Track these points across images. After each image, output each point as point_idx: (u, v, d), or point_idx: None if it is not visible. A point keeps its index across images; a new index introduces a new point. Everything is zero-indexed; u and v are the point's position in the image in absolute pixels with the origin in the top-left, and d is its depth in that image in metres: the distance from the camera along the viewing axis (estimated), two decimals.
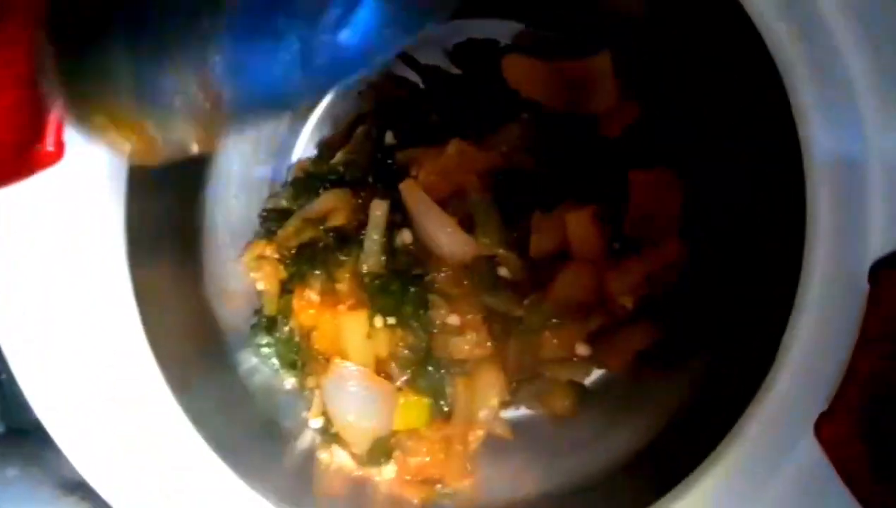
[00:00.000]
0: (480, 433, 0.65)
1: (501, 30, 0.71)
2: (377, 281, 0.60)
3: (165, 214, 0.67)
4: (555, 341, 0.60)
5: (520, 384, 0.65)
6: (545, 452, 0.68)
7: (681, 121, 0.62)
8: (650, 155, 0.62)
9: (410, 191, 0.60)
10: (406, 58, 0.74)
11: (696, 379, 0.61)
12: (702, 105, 0.61)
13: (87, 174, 0.55)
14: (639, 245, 0.60)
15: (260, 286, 0.70)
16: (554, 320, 0.60)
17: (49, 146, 0.54)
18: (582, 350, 0.61)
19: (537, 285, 0.60)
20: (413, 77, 0.71)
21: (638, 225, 0.59)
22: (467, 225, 0.61)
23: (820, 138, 0.46)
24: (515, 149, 0.61)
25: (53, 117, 0.55)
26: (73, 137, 0.52)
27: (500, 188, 0.60)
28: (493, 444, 0.68)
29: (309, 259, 0.64)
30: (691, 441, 0.59)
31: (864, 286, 0.46)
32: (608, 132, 0.62)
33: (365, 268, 0.61)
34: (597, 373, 0.68)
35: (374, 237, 0.60)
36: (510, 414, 0.69)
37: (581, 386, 0.66)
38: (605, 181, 0.60)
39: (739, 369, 0.56)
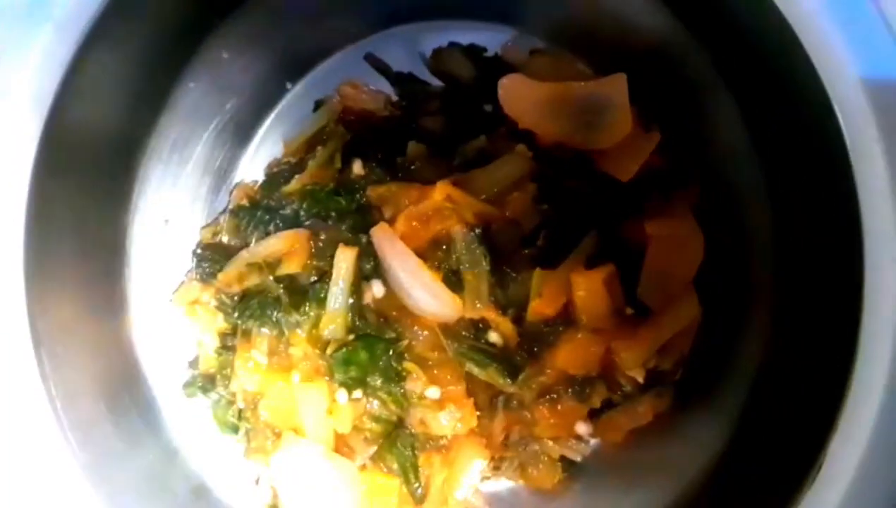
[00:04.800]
0: None
1: (489, 35, 0.60)
2: (341, 352, 0.49)
3: (75, 238, 0.55)
4: (552, 419, 0.51)
5: (503, 457, 0.56)
6: None
7: (703, 163, 0.53)
8: (667, 203, 0.52)
9: (385, 238, 0.49)
10: (373, 60, 0.62)
11: (701, 456, 0.54)
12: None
13: None
14: (650, 309, 0.51)
15: (195, 335, 0.58)
16: (552, 395, 0.50)
17: None
18: (582, 429, 0.53)
19: (532, 354, 0.51)
20: (385, 87, 0.60)
21: (653, 287, 0.50)
22: (452, 280, 0.50)
23: None
24: (511, 189, 0.50)
25: None
26: None
27: (493, 239, 0.50)
28: None
29: (256, 313, 0.52)
30: None
31: None
32: (620, 173, 0.52)
33: (326, 333, 0.49)
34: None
35: (338, 294, 0.49)
36: (488, 485, 0.60)
37: (571, 462, 0.57)
38: (617, 233, 0.51)
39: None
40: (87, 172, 0.54)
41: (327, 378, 0.51)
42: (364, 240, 0.51)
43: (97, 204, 0.57)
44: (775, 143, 0.49)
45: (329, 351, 0.49)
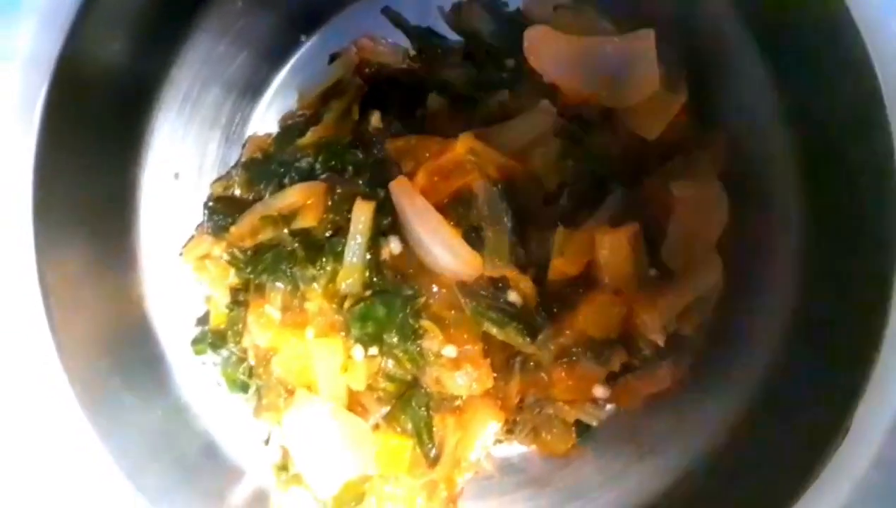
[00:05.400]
0: (469, 475, 0.55)
1: None
2: (358, 306, 0.48)
3: (84, 191, 0.54)
4: (570, 382, 0.50)
5: (516, 420, 0.55)
6: (537, 496, 0.59)
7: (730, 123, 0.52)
8: (693, 164, 0.51)
9: (403, 193, 0.48)
10: (391, 13, 0.60)
11: (716, 428, 0.53)
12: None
13: None
14: (673, 272, 0.50)
15: (205, 291, 0.57)
16: (571, 357, 0.50)
17: None
18: (599, 392, 0.52)
19: (552, 314, 0.50)
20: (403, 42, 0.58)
21: (677, 248, 0.49)
22: (472, 237, 0.49)
23: None
24: (535, 144, 0.49)
25: None
26: None
27: (515, 195, 0.49)
28: (477, 482, 0.58)
29: (269, 267, 0.51)
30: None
31: None
32: (646, 131, 0.51)
33: (343, 287, 0.48)
34: None
35: (355, 249, 0.48)
36: (499, 449, 0.60)
37: (585, 426, 0.57)
38: (641, 193, 0.50)
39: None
40: (96, 124, 0.53)
41: (342, 334, 0.50)
42: (382, 194, 0.49)
43: (106, 156, 0.56)
44: (806, 109, 0.48)
45: (346, 305, 0.48)
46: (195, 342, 0.57)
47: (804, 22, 0.44)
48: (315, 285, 0.50)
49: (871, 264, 0.42)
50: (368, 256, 0.48)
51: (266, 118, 0.62)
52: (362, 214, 0.48)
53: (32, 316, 0.47)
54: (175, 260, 0.58)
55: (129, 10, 0.52)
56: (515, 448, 0.60)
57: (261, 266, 0.51)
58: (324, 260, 0.49)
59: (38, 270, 0.48)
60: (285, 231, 0.51)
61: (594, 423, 0.55)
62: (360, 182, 0.50)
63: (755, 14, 0.49)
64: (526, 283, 0.49)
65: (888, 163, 0.40)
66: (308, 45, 0.62)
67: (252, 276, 0.52)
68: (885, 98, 0.40)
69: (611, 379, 0.54)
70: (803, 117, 0.47)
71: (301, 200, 0.50)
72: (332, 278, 0.49)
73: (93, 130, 0.53)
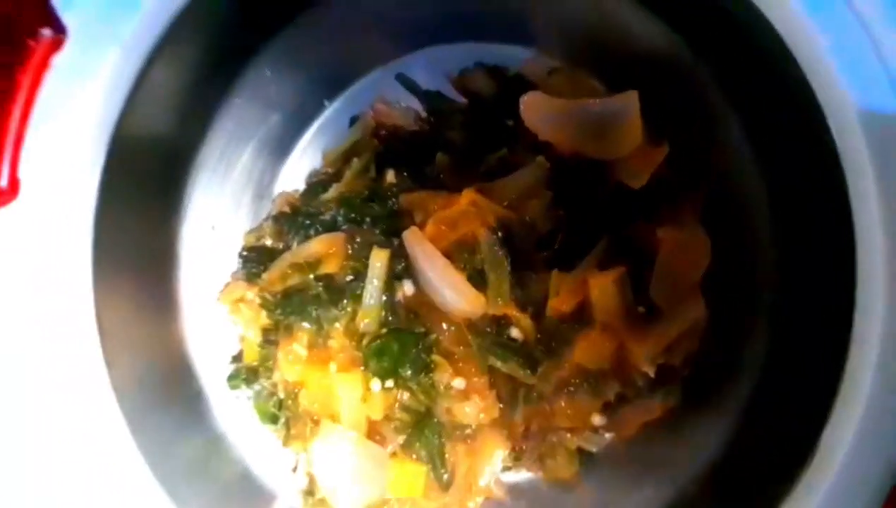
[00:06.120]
0: (480, 499, 0.60)
1: (510, 55, 0.65)
2: (376, 343, 0.54)
3: (133, 243, 0.60)
4: (569, 411, 0.55)
5: (523, 449, 0.60)
6: None
7: (709, 173, 0.57)
8: (676, 209, 0.56)
9: (415, 241, 0.54)
10: (404, 79, 0.67)
11: (709, 448, 0.57)
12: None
13: (47, 211, 0.50)
14: (660, 308, 0.55)
15: (239, 332, 0.63)
16: (569, 388, 0.54)
17: (2, 183, 0.50)
18: (597, 420, 0.56)
19: (550, 349, 0.55)
20: (415, 104, 0.65)
21: (663, 287, 0.54)
22: (476, 279, 0.55)
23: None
24: (530, 196, 0.55)
25: (7, 153, 0.50)
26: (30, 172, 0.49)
27: (514, 241, 0.54)
28: (488, 506, 0.62)
29: (297, 309, 0.57)
30: None
31: None
32: (632, 181, 0.56)
33: (362, 326, 0.54)
34: None
35: (373, 292, 0.54)
36: (509, 476, 0.64)
37: (587, 453, 0.61)
38: (629, 237, 0.55)
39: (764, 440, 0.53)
40: (144, 183, 0.60)
41: (362, 368, 0.55)
42: (396, 242, 0.55)
43: (152, 211, 0.62)
44: (777, 159, 0.53)
45: (364, 342, 0.54)
46: (231, 378, 0.63)
47: (767, 86, 0.49)
48: (337, 324, 0.55)
49: (833, 307, 0.46)
50: (384, 298, 0.54)
51: (294, 175, 0.68)
52: (378, 261, 0.54)
53: (91, 355, 0.52)
54: (212, 304, 0.64)
55: (174, 84, 0.59)
56: (524, 474, 0.64)
57: (289, 308, 0.57)
58: (345, 302, 0.55)
59: (96, 314, 0.52)
60: (311, 276, 0.57)
61: (594, 450, 0.60)
62: (377, 231, 0.57)
63: (735, 90, 0.55)
64: (526, 321, 0.54)
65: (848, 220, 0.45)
66: (331, 109, 0.68)
67: (281, 318, 0.58)
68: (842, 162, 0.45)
69: (608, 409, 0.58)
70: (773, 166, 0.52)
71: (324, 249, 0.57)
72: (353, 318, 0.55)
73: (141, 189, 0.59)
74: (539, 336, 0.55)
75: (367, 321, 0.54)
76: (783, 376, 0.51)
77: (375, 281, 0.54)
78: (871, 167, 0.43)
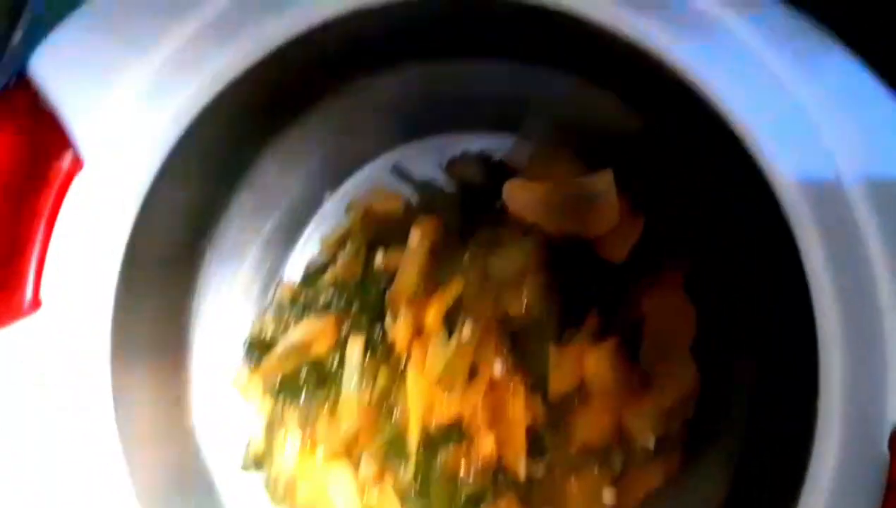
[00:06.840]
0: None
1: (496, 141, 0.68)
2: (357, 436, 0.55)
3: (147, 334, 0.63)
4: (581, 491, 0.55)
5: None
6: None
7: (688, 242, 0.58)
8: (659, 280, 0.57)
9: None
10: (399, 170, 0.71)
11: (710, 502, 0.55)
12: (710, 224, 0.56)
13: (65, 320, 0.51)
14: (652, 377, 0.56)
15: (249, 419, 0.65)
16: (578, 468, 0.55)
17: (26, 296, 0.50)
18: (608, 496, 0.56)
19: (557, 429, 0.55)
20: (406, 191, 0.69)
21: (653, 355, 0.55)
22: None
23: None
24: (520, 279, 0.57)
25: (32, 269, 0.51)
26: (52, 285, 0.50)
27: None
28: None
29: (290, 394, 0.59)
30: None
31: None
32: (613, 256, 0.58)
33: (344, 425, 0.56)
34: None
35: (349, 385, 0.55)
36: None
37: None
38: (617, 309, 0.56)
39: None
40: (158, 278, 0.63)
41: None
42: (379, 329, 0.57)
43: (165, 303, 0.65)
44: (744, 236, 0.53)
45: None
46: (244, 464, 0.64)
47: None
48: (323, 410, 0.57)
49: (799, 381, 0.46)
50: (362, 389, 0.55)
51: (299, 263, 0.71)
52: (353, 349, 0.56)
53: (110, 448, 0.52)
54: (222, 391, 0.66)
55: (187, 189, 0.62)
56: None
57: (282, 395, 0.59)
58: (329, 386, 0.57)
59: (114, 409, 0.53)
60: (303, 363, 0.59)
61: None
62: (363, 317, 0.58)
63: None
64: (535, 400, 0.55)
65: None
66: (332, 198, 0.72)
67: (279, 404, 0.60)
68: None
69: (614, 482, 0.58)
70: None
71: (313, 332, 0.58)
72: (334, 406, 0.56)
73: (154, 282, 0.63)
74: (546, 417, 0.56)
75: (345, 412, 0.55)
76: (765, 437, 0.50)
77: (352, 374, 0.55)
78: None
